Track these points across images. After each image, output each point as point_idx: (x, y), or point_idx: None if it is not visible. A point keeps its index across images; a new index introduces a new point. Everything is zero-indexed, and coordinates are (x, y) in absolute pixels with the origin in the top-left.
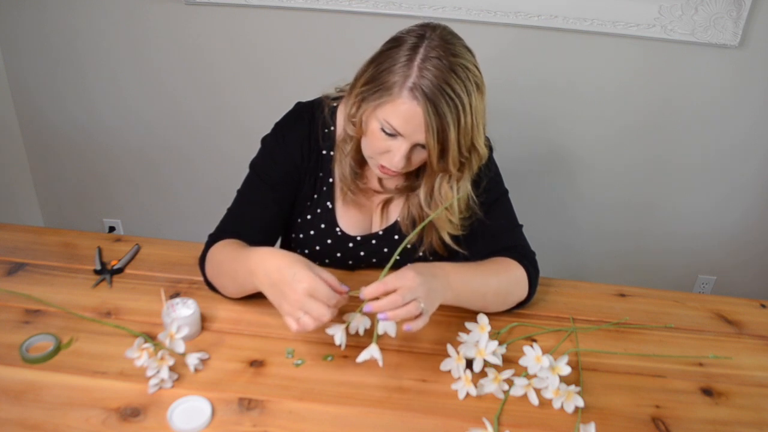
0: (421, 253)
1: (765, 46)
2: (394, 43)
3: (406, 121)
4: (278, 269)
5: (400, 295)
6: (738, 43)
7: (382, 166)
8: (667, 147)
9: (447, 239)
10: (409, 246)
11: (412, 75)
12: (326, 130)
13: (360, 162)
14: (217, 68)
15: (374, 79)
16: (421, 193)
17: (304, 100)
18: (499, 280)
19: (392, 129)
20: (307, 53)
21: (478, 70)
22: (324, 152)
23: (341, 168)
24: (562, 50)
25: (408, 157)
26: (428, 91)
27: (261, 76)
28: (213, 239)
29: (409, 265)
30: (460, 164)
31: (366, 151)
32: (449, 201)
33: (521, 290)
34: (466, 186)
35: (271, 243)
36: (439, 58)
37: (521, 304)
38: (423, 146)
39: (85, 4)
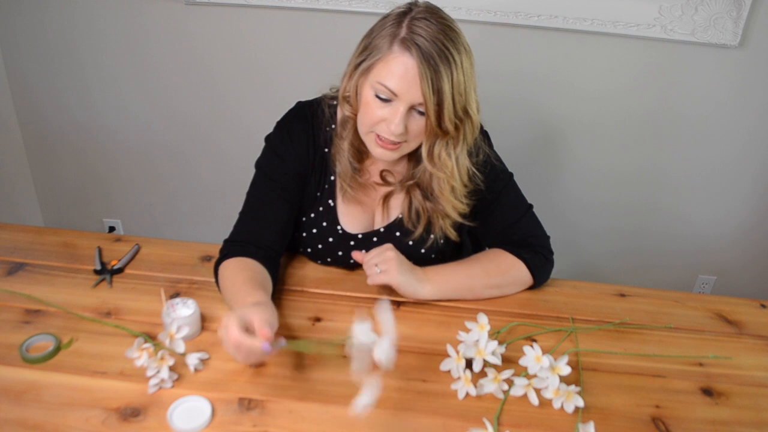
0: (423, 251)
1: (765, 46)
2: (382, 17)
3: (400, 78)
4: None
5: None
6: (738, 43)
7: (379, 138)
8: (668, 147)
9: (452, 213)
10: (411, 243)
11: (402, 31)
12: (327, 129)
13: (358, 155)
14: (217, 68)
15: (365, 47)
16: (424, 151)
17: (303, 99)
18: (486, 270)
19: (387, 91)
20: (306, 53)
21: (466, 41)
22: (326, 150)
23: (340, 163)
24: (562, 50)
25: (405, 125)
26: (420, 43)
27: (260, 76)
28: (228, 247)
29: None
30: (455, 126)
31: (362, 127)
32: (449, 169)
33: (517, 280)
34: (464, 155)
35: (286, 242)
36: (427, 18)
37: (532, 288)
38: (419, 111)
39: (84, 4)
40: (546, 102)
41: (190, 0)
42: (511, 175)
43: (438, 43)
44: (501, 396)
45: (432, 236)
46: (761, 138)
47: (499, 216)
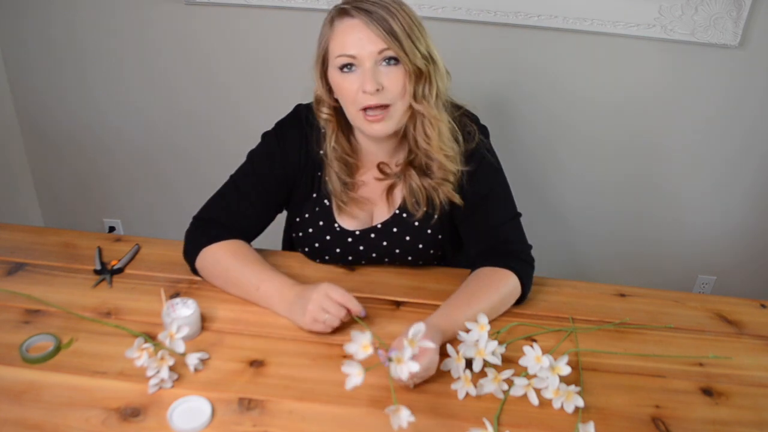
0: (421, 246)
1: (765, 46)
2: None
3: (352, 38)
4: (303, 287)
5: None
6: (738, 43)
7: (366, 113)
8: (667, 147)
9: (445, 162)
10: (417, 224)
11: (336, 6)
12: (322, 131)
13: (347, 170)
14: (217, 68)
15: (318, 46)
16: (410, 95)
17: (304, 99)
18: (490, 299)
19: (346, 58)
20: (307, 53)
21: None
22: (321, 152)
23: (330, 181)
24: (562, 50)
25: (379, 82)
26: (355, 5)
27: (261, 75)
28: (200, 225)
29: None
30: (425, 65)
31: (348, 108)
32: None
33: (514, 296)
34: (440, 103)
35: (249, 239)
36: None
37: (517, 302)
38: (385, 60)
39: (85, 4)
40: (545, 102)
41: (191, 0)
42: (504, 176)
43: (374, 1)
44: (501, 396)
45: (436, 214)
46: (761, 138)
47: (485, 214)
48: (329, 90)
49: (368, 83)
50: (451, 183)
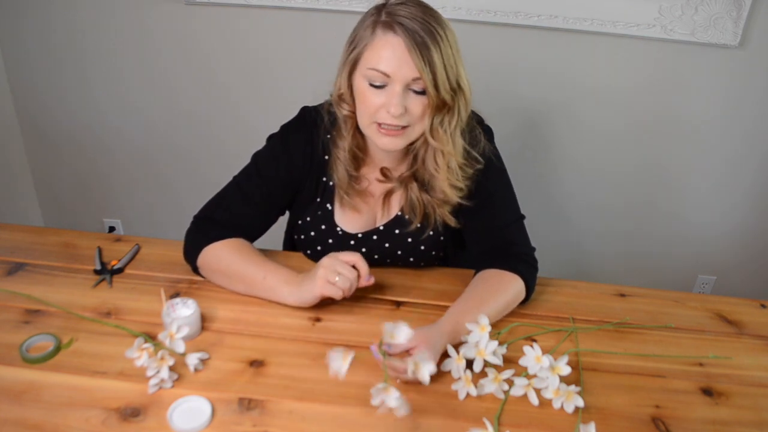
0: (423, 248)
1: (765, 46)
2: (363, 14)
3: (390, 58)
4: (309, 271)
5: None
6: (738, 43)
7: (381, 127)
8: (667, 147)
9: (449, 192)
10: (410, 240)
11: (383, 16)
12: (328, 135)
13: (355, 162)
14: (218, 68)
15: (351, 42)
16: (427, 127)
17: (304, 99)
18: (497, 303)
19: (379, 75)
20: (307, 53)
21: (447, 21)
22: (326, 157)
23: (337, 171)
24: (562, 50)
25: (404, 105)
26: (402, 22)
27: (261, 75)
28: (201, 225)
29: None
30: (451, 97)
31: (363, 119)
32: (444, 146)
33: (519, 299)
34: (458, 133)
35: (250, 241)
36: (404, 3)
37: (519, 304)
38: (415, 91)
39: (85, 4)
40: (546, 102)
41: (191, 0)
42: (508, 178)
43: (419, 19)
44: (501, 396)
45: (429, 229)
46: (760, 138)
47: (488, 215)
48: (350, 88)
49: (394, 107)
50: (449, 205)
